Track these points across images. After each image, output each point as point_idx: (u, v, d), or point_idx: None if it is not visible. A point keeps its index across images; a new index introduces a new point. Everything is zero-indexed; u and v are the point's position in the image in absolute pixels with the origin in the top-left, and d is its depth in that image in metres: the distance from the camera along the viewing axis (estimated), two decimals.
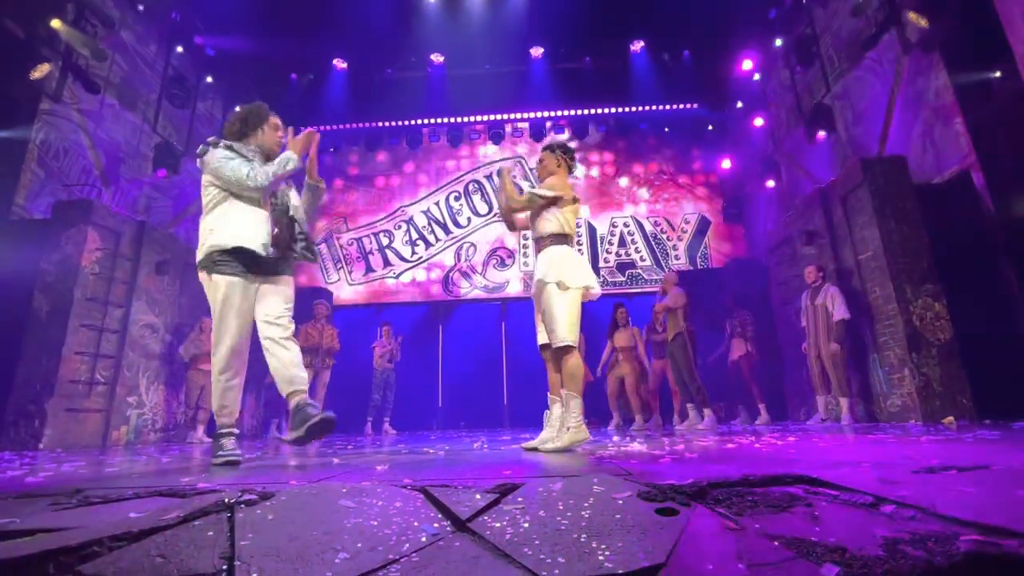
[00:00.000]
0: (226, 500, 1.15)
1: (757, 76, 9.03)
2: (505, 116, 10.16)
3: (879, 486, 1.21)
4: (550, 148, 3.16)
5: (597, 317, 8.78)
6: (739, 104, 9.43)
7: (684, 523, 1.00)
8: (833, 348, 5.23)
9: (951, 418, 4.20)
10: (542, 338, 2.95)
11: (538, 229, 2.97)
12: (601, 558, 0.87)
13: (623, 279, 9.60)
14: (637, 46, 9.23)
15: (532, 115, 10.14)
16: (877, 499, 1.14)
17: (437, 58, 9.39)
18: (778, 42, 8.26)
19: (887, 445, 2.23)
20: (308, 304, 7.04)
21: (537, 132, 10.06)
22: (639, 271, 9.61)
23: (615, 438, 3.63)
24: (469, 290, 9.74)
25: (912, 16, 5.52)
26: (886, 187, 5.17)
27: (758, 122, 9.02)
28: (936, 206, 5.07)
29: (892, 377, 4.93)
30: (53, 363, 5.07)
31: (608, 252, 9.81)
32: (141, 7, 7.44)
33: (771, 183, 8.51)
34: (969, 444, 2.17)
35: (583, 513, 1.07)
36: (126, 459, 2.99)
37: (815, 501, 1.14)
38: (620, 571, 0.83)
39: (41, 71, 5.76)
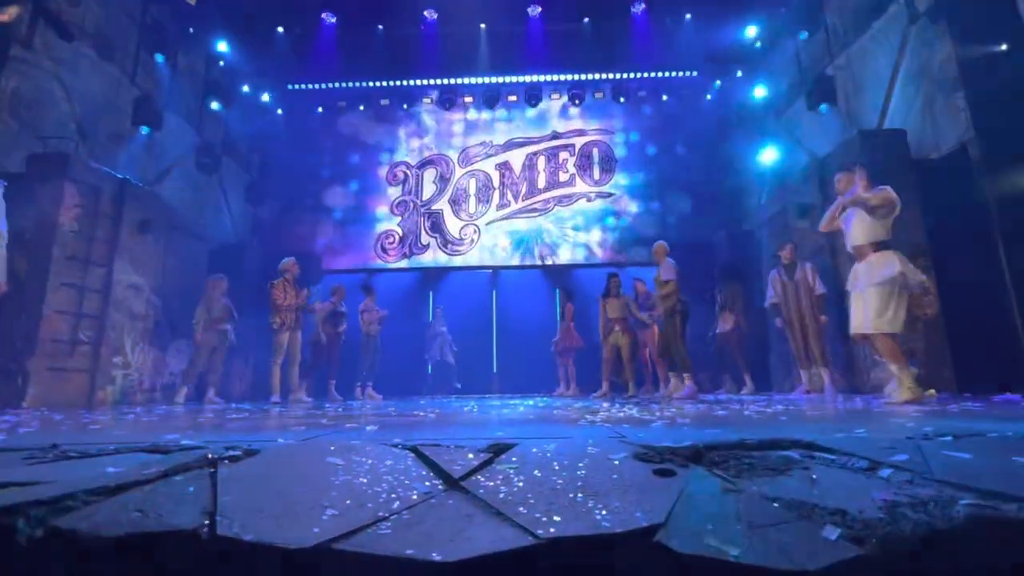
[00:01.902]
0: (209, 456, 1.11)
1: (759, 44, 8.80)
2: (500, 79, 9.85)
3: (875, 451, 1.20)
4: (848, 170, 3.94)
5: (590, 287, 8.78)
6: (739, 73, 9.22)
7: (683, 484, 0.98)
8: (823, 320, 5.33)
9: (932, 390, 4.27)
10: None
11: (870, 235, 3.68)
12: (598, 517, 0.85)
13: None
14: (638, 8, 8.92)
15: (528, 79, 9.83)
16: (874, 463, 1.13)
17: (431, 14, 9.02)
18: (782, 9, 8.01)
19: (877, 414, 2.25)
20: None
21: (533, 97, 9.79)
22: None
23: (605, 404, 3.65)
24: (461, 255, 9.65)
25: None
26: (885, 161, 5.11)
27: (758, 91, 8.84)
28: (932, 181, 5.04)
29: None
30: (34, 322, 4.95)
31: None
32: None
33: (768, 154, 8.40)
34: (958, 414, 2.19)
35: (579, 473, 1.05)
36: (111, 417, 2.95)
37: (812, 465, 1.13)
38: (618, 530, 0.81)
39: (9, 14, 5.42)
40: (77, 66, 6.45)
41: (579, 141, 10.05)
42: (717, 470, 1.09)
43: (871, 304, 3.50)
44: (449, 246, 9.69)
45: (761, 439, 1.28)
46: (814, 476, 1.06)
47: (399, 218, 9.82)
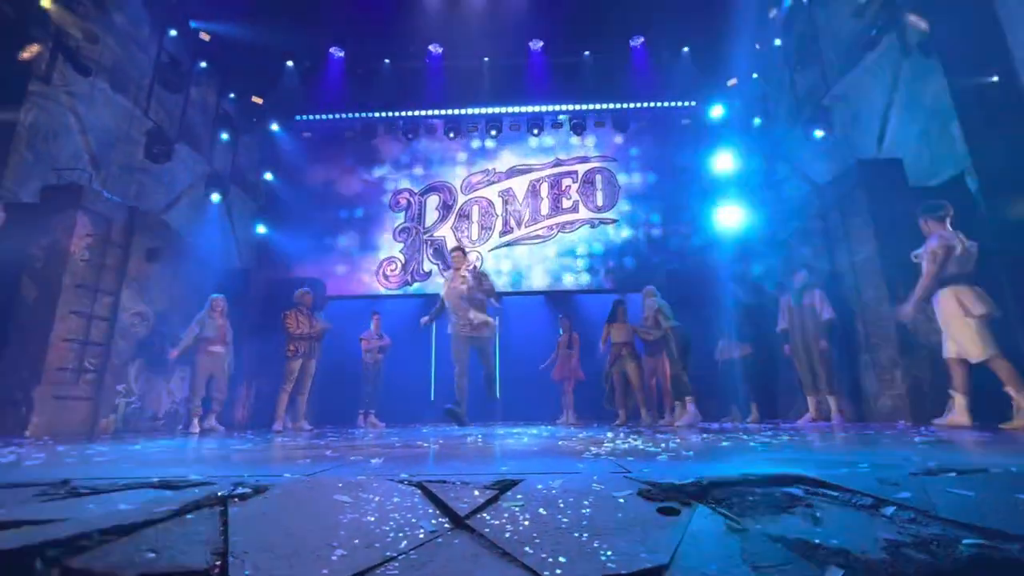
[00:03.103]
0: (219, 494, 1.13)
1: (755, 75, 9.02)
2: (503, 109, 10.09)
3: (879, 487, 1.21)
4: (920, 215, 4.21)
5: (594, 313, 8.79)
6: (737, 103, 9.43)
7: (686, 523, 0.99)
8: (823, 345, 5.32)
9: (940, 419, 4.23)
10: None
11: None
12: (603, 558, 0.86)
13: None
14: (637, 42, 9.19)
15: (530, 109, 10.07)
16: (878, 500, 1.13)
17: (435, 49, 9.30)
18: (777, 41, 8.25)
19: (882, 446, 2.24)
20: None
21: (535, 126, 10.00)
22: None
23: (609, 435, 3.63)
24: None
25: (913, 19, 5.53)
26: (882, 189, 5.19)
27: (756, 121, 9.02)
28: None
29: (883, 378, 4.97)
30: (40, 350, 4.99)
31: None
32: None
33: (768, 182, 8.53)
34: (964, 446, 2.18)
35: (584, 511, 1.06)
36: (115, 448, 2.95)
37: (816, 502, 1.14)
38: (623, 572, 0.82)
39: (31, 52, 5.64)
40: (92, 100, 6.66)
41: (581, 168, 10.21)
42: (721, 508, 1.10)
43: (958, 338, 3.87)
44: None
45: (764, 475, 1.28)
46: (817, 514, 1.07)
47: (402, 244, 9.92)
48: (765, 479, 1.28)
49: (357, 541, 0.93)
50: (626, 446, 2.50)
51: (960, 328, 3.84)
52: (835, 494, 1.19)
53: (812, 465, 1.56)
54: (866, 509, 1.11)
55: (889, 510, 1.09)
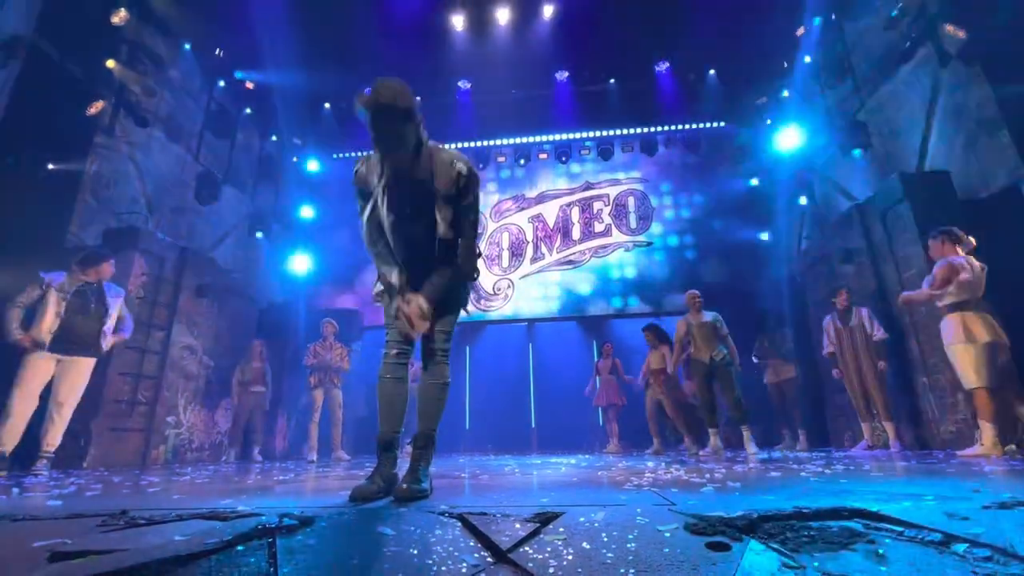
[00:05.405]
0: (267, 525, 1.16)
1: (786, 92, 8.92)
2: (531, 139, 10.29)
3: (947, 522, 1.13)
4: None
5: (629, 338, 8.65)
6: (768, 121, 9.32)
7: (738, 559, 0.95)
8: (882, 366, 5.06)
9: (1012, 446, 3.93)
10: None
11: (944, 298, 4.01)
12: None
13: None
14: (662, 67, 9.27)
15: (558, 137, 10.24)
16: (947, 537, 1.06)
17: (464, 84, 9.62)
18: (807, 59, 8.16)
19: (948, 476, 2.09)
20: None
21: (563, 153, 10.14)
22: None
23: (650, 464, 3.52)
24: (497, 309, 9.74)
25: (949, 28, 5.40)
26: (929, 203, 4.99)
27: (788, 139, 8.87)
28: (984, 222, 4.84)
29: (945, 402, 4.67)
30: (99, 383, 5.25)
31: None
32: (188, 45, 7.90)
33: (803, 200, 8.32)
34: None
35: (628, 546, 1.03)
36: (165, 478, 3.05)
37: (878, 537, 1.07)
38: None
39: (97, 108, 6.14)
40: (149, 148, 7.17)
41: (613, 191, 10.22)
42: (774, 543, 1.05)
43: (957, 364, 3.88)
44: (482, 301, 9.81)
45: (819, 508, 1.22)
46: (880, 551, 1.01)
47: None
48: (821, 512, 1.22)
49: (401, 574, 0.93)
50: (668, 476, 2.42)
51: (960, 354, 3.85)
52: (899, 529, 1.12)
53: (871, 497, 1.47)
54: (934, 546, 1.04)
55: (960, 547, 1.02)
